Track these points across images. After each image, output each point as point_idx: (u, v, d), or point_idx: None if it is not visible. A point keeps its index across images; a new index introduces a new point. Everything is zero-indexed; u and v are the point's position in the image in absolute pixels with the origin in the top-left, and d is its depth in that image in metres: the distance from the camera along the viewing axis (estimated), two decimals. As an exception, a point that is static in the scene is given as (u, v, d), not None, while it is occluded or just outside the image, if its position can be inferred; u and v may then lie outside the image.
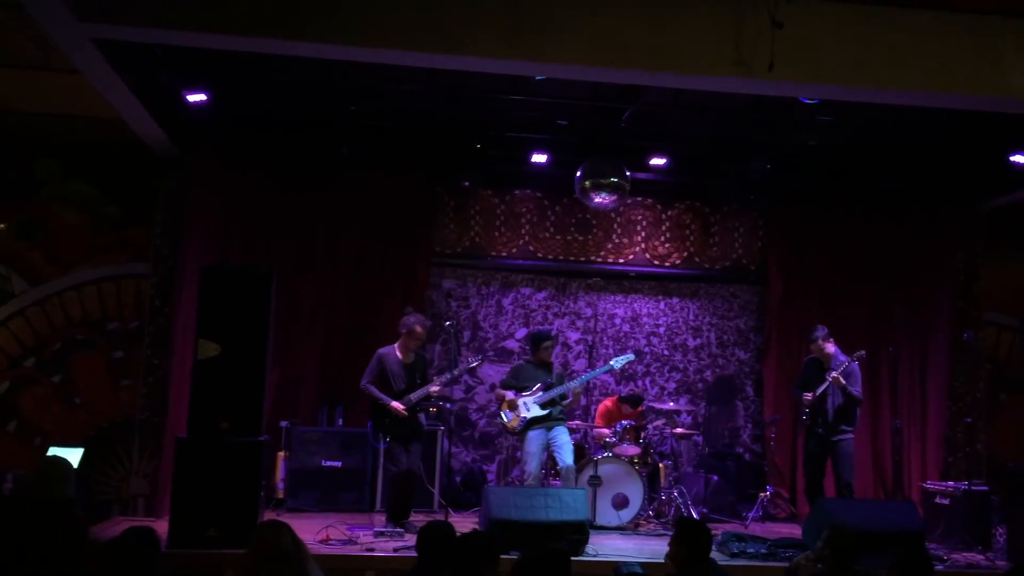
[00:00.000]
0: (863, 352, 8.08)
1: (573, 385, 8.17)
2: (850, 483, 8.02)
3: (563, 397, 8.07)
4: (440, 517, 7.14)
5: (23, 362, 9.02)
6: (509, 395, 8.08)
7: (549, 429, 7.97)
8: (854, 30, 6.58)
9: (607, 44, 6.42)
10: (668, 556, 4.61)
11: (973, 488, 8.03)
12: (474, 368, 8.79)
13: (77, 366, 9.06)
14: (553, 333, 8.75)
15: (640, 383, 10.04)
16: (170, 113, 8.00)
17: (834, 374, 7.92)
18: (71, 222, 9.13)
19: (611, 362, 8.41)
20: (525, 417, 7.96)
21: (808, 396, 8.04)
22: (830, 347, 8.12)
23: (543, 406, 7.97)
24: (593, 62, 6.50)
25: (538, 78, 7.35)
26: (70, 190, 9.13)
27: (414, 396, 7.56)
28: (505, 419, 8.08)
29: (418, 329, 7.66)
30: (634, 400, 9.22)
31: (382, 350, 7.74)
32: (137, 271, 9.15)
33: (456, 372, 7.84)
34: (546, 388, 8.01)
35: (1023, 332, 10.31)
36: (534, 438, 7.93)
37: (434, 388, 7.62)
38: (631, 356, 8.65)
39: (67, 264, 9.13)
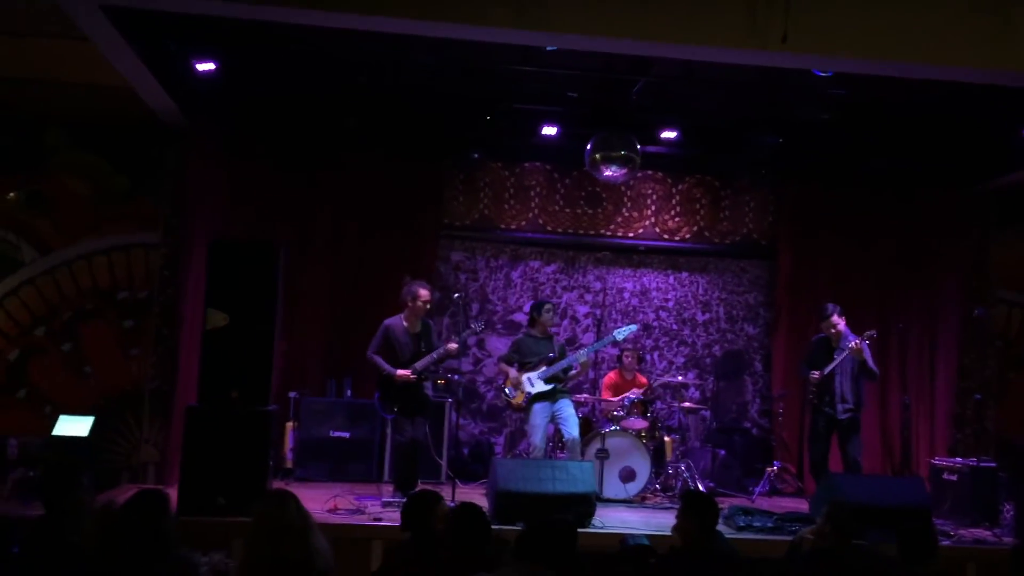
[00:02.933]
0: (873, 332, 8.02)
1: (577, 357, 8.14)
2: (858, 460, 8.01)
3: (566, 371, 8.07)
4: (447, 488, 7.17)
5: (33, 331, 9.05)
6: (512, 372, 8.08)
7: (554, 401, 7.98)
8: (868, 0, 6.49)
9: (618, 14, 6.35)
10: (675, 529, 4.63)
11: (981, 465, 8.04)
12: (479, 333, 8.79)
13: (87, 335, 9.09)
14: (555, 302, 8.71)
15: (648, 357, 10.03)
16: (178, 82, 7.95)
17: (855, 342, 7.83)
18: (80, 192, 9.12)
19: (614, 333, 8.38)
20: (530, 392, 7.97)
21: (816, 375, 8.01)
22: (841, 325, 8.07)
23: (547, 381, 7.98)
24: (604, 33, 6.42)
25: (549, 48, 7.28)
26: (78, 160, 9.12)
27: (419, 364, 7.57)
28: (510, 396, 8.10)
29: (423, 293, 7.63)
30: (636, 355, 9.23)
31: (388, 320, 7.74)
32: (147, 240, 9.13)
33: (464, 335, 7.85)
34: (549, 363, 8.02)
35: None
36: (539, 411, 7.95)
37: (452, 345, 7.61)
38: (634, 327, 8.60)
39: (76, 234, 9.12)
